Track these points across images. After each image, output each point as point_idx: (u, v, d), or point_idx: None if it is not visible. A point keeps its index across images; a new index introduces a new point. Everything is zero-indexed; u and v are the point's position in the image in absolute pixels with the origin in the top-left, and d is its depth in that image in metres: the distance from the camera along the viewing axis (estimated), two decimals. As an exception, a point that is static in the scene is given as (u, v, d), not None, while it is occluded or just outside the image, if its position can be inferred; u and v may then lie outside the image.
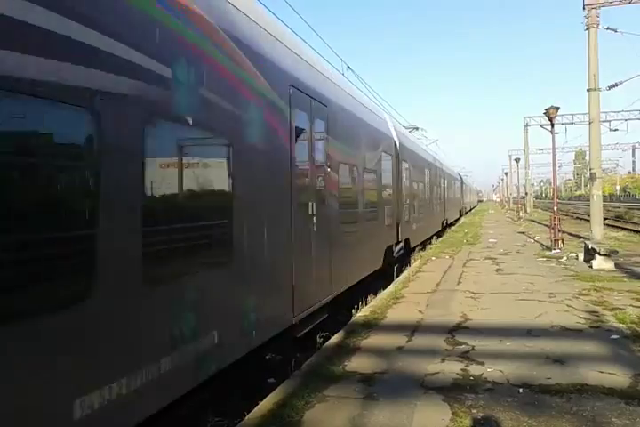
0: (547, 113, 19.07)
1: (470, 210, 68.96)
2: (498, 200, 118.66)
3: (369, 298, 10.78)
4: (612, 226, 29.16)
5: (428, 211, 21.26)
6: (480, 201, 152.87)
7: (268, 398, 5.26)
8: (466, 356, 6.39)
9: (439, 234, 26.22)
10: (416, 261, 16.60)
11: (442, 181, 27.96)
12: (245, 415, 4.98)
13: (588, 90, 19.87)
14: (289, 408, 4.89)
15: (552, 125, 20.07)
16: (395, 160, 13.43)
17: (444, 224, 29.65)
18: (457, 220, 41.73)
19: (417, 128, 26.06)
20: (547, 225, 25.55)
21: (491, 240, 22.61)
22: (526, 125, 52.67)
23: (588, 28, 19.60)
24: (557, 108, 18.87)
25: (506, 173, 77.95)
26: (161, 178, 3.93)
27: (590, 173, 20.31)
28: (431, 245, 21.88)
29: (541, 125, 49.75)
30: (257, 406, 5.08)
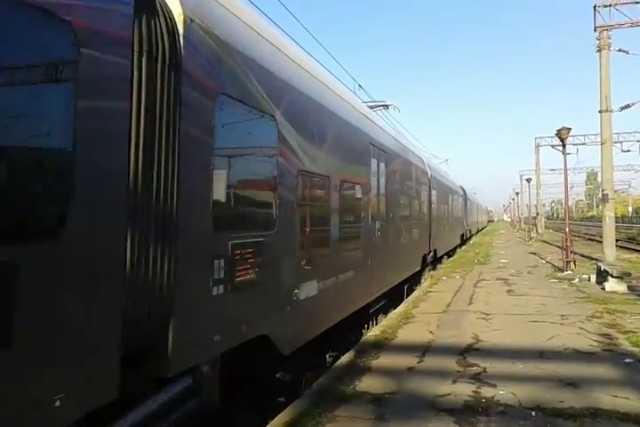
0: (558, 134, 19.07)
1: (477, 232, 56.54)
2: (508, 220, 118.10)
3: (379, 318, 10.73)
4: (625, 248, 28.92)
5: (451, 227, 26.28)
6: (490, 221, 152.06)
7: (278, 417, 5.24)
8: (477, 378, 6.34)
9: (460, 246, 32.82)
10: (426, 281, 16.53)
11: (462, 202, 34.83)
12: (255, 435, 4.96)
13: (599, 111, 19.86)
14: (299, 428, 4.87)
15: (564, 146, 20.06)
16: (428, 188, 17.70)
17: (463, 238, 36.05)
18: (469, 238, 41.41)
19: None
20: (558, 246, 25.40)
21: (502, 261, 22.49)
22: (537, 146, 52.56)
23: (599, 50, 19.67)
24: (569, 130, 18.89)
25: (517, 193, 77.74)
26: (350, 209, 8.45)
27: (602, 194, 20.20)
28: (441, 265, 21.80)
29: (553, 146, 49.73)
30: (267, 426, 5.06)
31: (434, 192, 18.93)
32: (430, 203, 18.05)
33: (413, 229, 14.32)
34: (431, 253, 18.33)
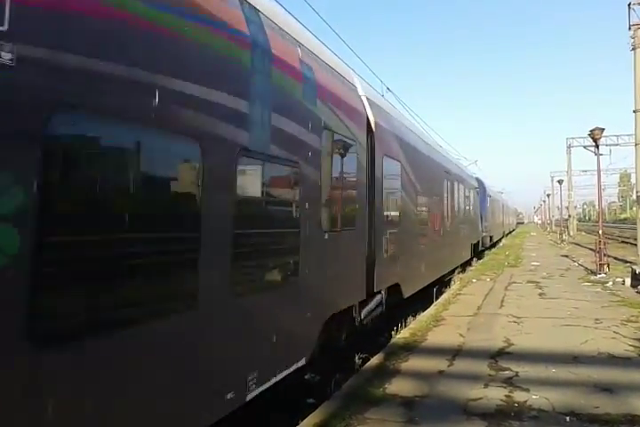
0: (591, 134, 18.73)
1: (502, 238, 46.45)
2: (539, 222, 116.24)
3: (408, 320, 10.66)
4: (661, 250, 28.13)
5: (492, 225, 33.79)
6: (520, 223, 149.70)
7: (308, 418, 5.25)
8: (509, 382, 6.25)
9: (501, 240, 40.17)
10: (456, 284, 16.37)
11: (499, 205, 39.79)
12: (285, 436, 4.98)
13: (634, 111, 19.42)
14: (330, 430, 4.87)
15: (597, 147, 19.68)
16: (476, 194, 24.94)
17: (503, 233, 45.43)
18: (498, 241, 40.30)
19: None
20: (591, 249, 24.91)
21: (533, 263, 22.13)
22: (569, 146, 51.59)
23: (633, 49, 19.25)
24: (602, 130, 18.53)
25: (548, 195, 76.45)
26: (436, 211, 14.14)
27: (637, 196, 19.75)
28: (471, 267, 21.56)
29: (585, 147, 48.76)
30: (297, 426, 5.07)
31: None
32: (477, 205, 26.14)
33: (468, 225, 21.56)
34: (478, 245, 25.64)
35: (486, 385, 6.13)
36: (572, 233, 52.03)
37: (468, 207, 21.79)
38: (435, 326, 9.52)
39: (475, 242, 23.96)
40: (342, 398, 5.82)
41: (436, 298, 13.28)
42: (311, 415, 5.33)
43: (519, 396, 5.74)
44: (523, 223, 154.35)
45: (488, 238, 30.85)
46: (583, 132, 50.70)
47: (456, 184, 17.87)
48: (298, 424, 5.17)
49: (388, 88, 14.36)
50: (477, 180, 27.14)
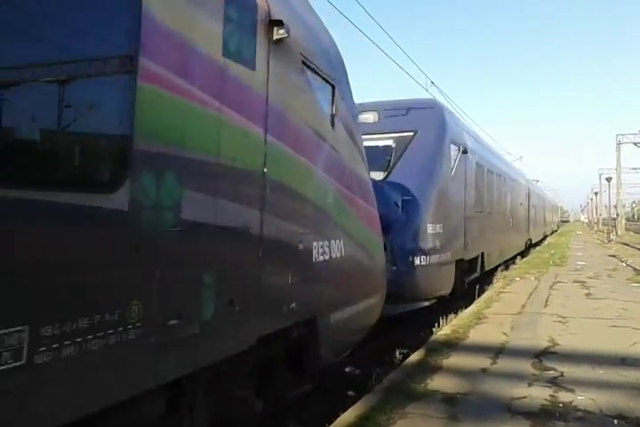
0: (644, 131, 18.09)
1: (543, 239, 42.50)
2: (585, 221, 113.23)
3: (449, 317, 10.56)
4: None
5: (539, 223, 37.03)
6: (565, 221, 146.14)
7: (349, 410, 5.27)
8: (554, 382, 6.13)
9: (546, 238, 41.66)
10: (499, 282, 16.12)
11: (548, 205, 43.52)
12: (326, 426, 5.01)
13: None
14: (371, 422, 4.88)
15: (650, 144, 19.00)
16: (527, 197, 28.44)
17: (544, 234, 44.27)
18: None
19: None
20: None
21: (579, 263, 21.60)
22: (619, 143, 49.96)
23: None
24: (656, 126, 17.88)
25: (595, 193, 74.41)
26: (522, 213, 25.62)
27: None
28: (515, 266, 21.19)
29: (635, 144, 47.27)
30: (339, 418, 5.10)
31: (529, 198, 29.55)
32: (529, 205, 29.23)
33: (521, 223, 25.76)
34: (529, 240, 29.97)
35: (530, 384, 6.03)
36: (619, 232, 50.53)
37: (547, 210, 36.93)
38: (477, 324, 9.40)
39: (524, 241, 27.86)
40: (383, 391, 5.82)
41: (478, 296, 13.11)
42: (352, 408, 5.35)
43: (564, 396, 5.63)
44: (568, 221, 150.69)
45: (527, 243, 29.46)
46: (634, 129, 49.10)
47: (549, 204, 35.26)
48: (339, 416, 5.19)
49: (432, 82, 14.16)
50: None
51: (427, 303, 10.57)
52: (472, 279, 13.78)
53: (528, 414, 5.12)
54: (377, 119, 11.43)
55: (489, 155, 17.82)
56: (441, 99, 15.92)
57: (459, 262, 12.00)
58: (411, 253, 9.74)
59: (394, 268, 9.08)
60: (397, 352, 7.84)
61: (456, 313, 10.75)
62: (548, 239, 44.48)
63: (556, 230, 67.95)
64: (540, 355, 7.29)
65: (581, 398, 5.55)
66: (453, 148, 12.00)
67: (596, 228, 73.21)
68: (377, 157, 10.38)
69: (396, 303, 8.87)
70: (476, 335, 8.53)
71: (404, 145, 11.00)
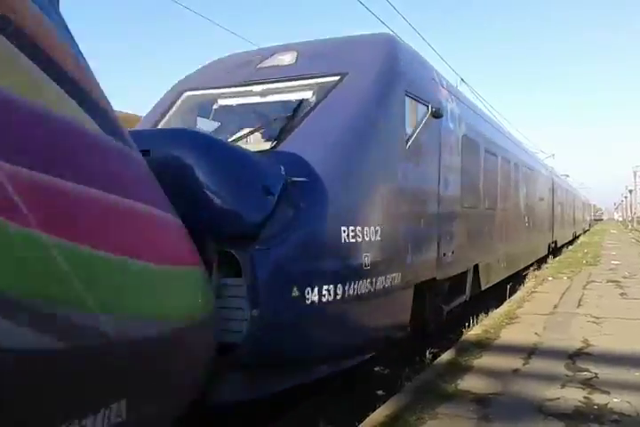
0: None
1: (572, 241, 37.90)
2: (620, 219, 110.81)
3: (479, 317, 10.45)
4: None
5: (567, 222, 32.64)
6: (599, 219, 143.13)
7: (379, 409, 5.26)
8: (588, 383, 6.01)
9: (575, 239, 37.93)
10: (530, 281, 15.88)
11: (578, 202, 40.12)
12: (356, 425, 5.01)
13: None
14: (401, 422, 4.86)
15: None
16: (551, 191, 24.27)
17: (574, 235, 39.86)
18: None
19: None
20: (678, 248, 23.47)
21: (613, 262, 21.12)
22: (655, 140, 48.69)
23: None
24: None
25: (630, 191, 72.76)
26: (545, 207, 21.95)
27: None
28: (546, 265, 20.84)
29: (672, 140, 45.92)
30: (368, 417, 5.09)
31: (555, 195, 25.95)
32: (554, 204, 25.43)
33: (545, 223, 22.56)
34: (552, 243, 25.12)
35: (563, 386, 5.93)
36: (656, 231, 49.28)
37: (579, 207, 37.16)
38: (508, 324, 9.28)
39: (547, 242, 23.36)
40: (413, 391, 5.79)
41: (510, 296, 12.94)
42: (382, 407, 5.34)
43: (599, 398, 5.52)
44: (601, 220, 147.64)
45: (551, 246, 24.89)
46: (672, 125, 47.87)
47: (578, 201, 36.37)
48: (368, 415, 5.19)
49: (462, 79, 14.01)
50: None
51: (350, 363, 6.25)
52: (457, 305, 9.98)
53: (561, 415, 5.03)
54: (293, 61, 7.23)
55: (490, 130, 12.60)
56: (471, 97, 13.79)
57: (428, 285, 7.92)
58: (294, 280, 4.98)
59: (255, 311, 4.70)
60: (427, 352, 7.79)
61: (487, 313, 10.63)
62: (581, 238, 43.55)
63: (587, 230, 62.30)
64: (574, 356, 7.16)
65: (617, 401, 5.43)
66: (412, 104, 7.34)
67: (630, 226, 71.58)
68: (274, 118, 6.85)
69: (275, 375, 5.23)
70: (508, 335, 8.42)
71: (320, 96, 6.50)
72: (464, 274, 9.93)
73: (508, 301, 12.09)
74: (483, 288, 11.08)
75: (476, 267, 10.61)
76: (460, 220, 9.40)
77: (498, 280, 12.77)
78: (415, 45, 9.23)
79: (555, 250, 25.09)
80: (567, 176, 46.77)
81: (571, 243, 36.24)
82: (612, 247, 31.33)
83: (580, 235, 46.85)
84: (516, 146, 16.77)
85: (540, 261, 20.26)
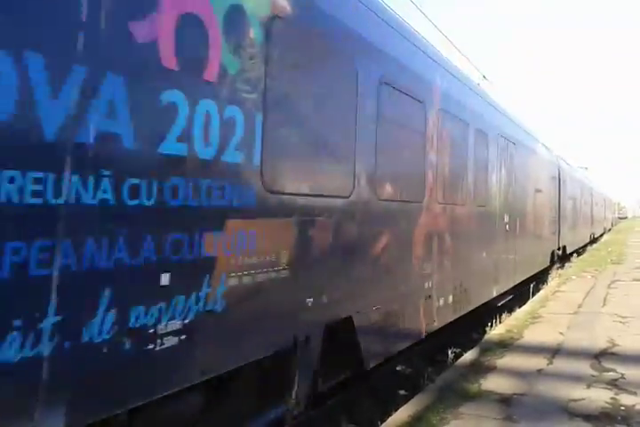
0: None
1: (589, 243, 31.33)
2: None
3: (502, 316, 10.35)
4: None
5: (581, 223, 26.26)
6: (624, 217, 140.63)
7: (401, 409, 5.24)
8: (614, 384, 5.92)
9: (588, 245, 30.11)
10: (554, 280, 15.68)
11: (598, 198, 33.63)
12: (379, 425, 5.00)
13: None
14: (424, 422, 4.84)
15: None
16: (557, 181, 18.13)
17: (592, 237, 33.02)
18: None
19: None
20: None
21: (638, 261, 20.77)
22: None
23: None
24: None
25: (656, 188, 71.24)
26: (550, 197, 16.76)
27: None
28: (571, 264, 20.55)
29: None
30: (391, 417, 5.08)
31: (564, 199, 20.32)
32: (560, 205, 19.50)
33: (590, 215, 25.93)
34: (559, 250, 19.12)
35: (589, 386, 5.85)
36: (683, 229, 48.21)
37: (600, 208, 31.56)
38: (532, 324, 9.18)
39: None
40: (436, 391, 5.75)
41: (533, 295, 12.80)
42: (405, 406, 5.32)
43: (626, 399, 5.43)
44: (626, 218, 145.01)
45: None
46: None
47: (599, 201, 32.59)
48: (391, 415, 5.17)
49: (484, 76, 13.83)
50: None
51: None
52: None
53: (587, 416, 4.97)
54: None
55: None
56: (492, 93, 11.04)
57: None
58: None
59: None
60: (450, 351, 7.74)
61: (510, 313, 10.53)
62: (605, 237, 42.84)
63: (609, 229, 54.89)
64: (599, 356, 7.05)
65: (645, 402, 5.35)
66: None
67: (656, 224, 70.17)
68: None
69: None
70: (531, 335, 8.33)
71: None
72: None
73: (531, 300, 11.96)
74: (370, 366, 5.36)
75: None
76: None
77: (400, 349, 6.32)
78: (435, 41, 8.07)
79: (560, 258, 19.20)
80: (586, 168, 41.38)
81: (590, 244, 31.25)
82: (637, 245, 30.79)
83: (601, 235, 41.73)
84: (486, 104, 9.90)
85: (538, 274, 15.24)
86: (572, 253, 22.66)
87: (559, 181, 18.48)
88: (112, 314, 2.65)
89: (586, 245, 28.95)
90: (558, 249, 18.41)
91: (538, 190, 14.21)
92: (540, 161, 14.91)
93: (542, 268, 15.57)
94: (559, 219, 18.29)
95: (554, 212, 17.30)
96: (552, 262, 17.27)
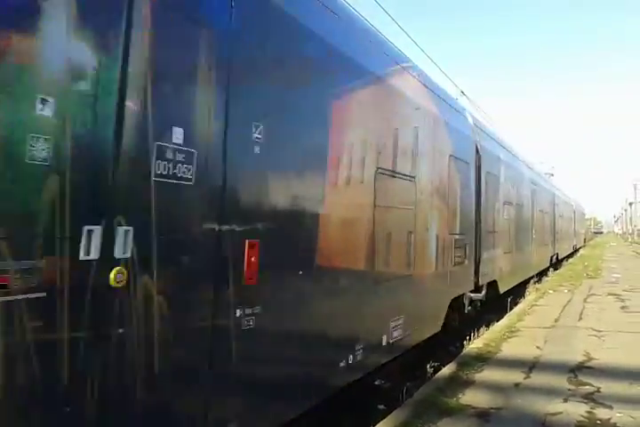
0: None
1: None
2: (619, 232, 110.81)
3: (481, 330, 10.41)
4: None
5: (566, 237, 32.14)
6: (599, 233, 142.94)
7: (380, 424, 5.22)
8: (591, 397, 5.97)
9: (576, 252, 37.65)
10: (531, 294, 15.83)
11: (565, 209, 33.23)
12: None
13: None
14: (402, 437, 4.82)
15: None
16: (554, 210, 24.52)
17: (574, 248, 39.41)
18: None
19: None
20: (679, 261, 23.38)
21: (614, 275, 21.08)
22: (654, 153, 48.68)
23: None
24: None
25: (630, 204, 72.84)
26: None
27: None
28: (547, 278, 20.79)
29: (672, 153, 45.91)
30: (369, 432, 5.05)
31: (557, 212, 27.43)
32: (555, 220, 26.19)
33: (545, 238, 22.30)
34: (553, 257, 24.87)
35: (566, 400, 5.88)
36: (656, 244, 49.13)
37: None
38: (509, 337, 9.24)
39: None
40: (414, 405, 5.74)
41: (511, 309, 12.90)
42: (383, 422, 5.30)
43: (602, 413, 5.47)
44: (601, 233, 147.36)
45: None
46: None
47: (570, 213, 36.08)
48: (369, 430, 5.14)
49: (462, 92, 14.03)
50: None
51: None
52: None
53: (564, 430, 4.99)
54: None
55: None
56: (470, 108, 11.19)
57: None
58: None
59: None
60: (428, 366, 7.75)
61: (487, 326, 10.60)
62: (581, 251, 43.41)
63: (579, 248, 46.22)
64: (576, 370, 7.11)
65: (620, 415, 5.39)
66: None
67: (630, 239, 71.56)
68: None
69: None
70: (509, 349, 8.38)
71: None
72: None
73: (508, 314, 12.05)
74: None
75: None
76: None
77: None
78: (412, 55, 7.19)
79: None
80: (552, 175, 38.22)
81: (548, 270, 23.44)
82: (613, 260, 31.30)
83: (571, 253, 37.28)
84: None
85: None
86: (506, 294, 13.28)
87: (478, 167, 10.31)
88: None
89: (545, 271, 22.10)
90: (472, 291, 9.88)
91: (460, 188, 8.71)
92: (462, 139, 9.15)
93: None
94: (477, 238, 10.04)
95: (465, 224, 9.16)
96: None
